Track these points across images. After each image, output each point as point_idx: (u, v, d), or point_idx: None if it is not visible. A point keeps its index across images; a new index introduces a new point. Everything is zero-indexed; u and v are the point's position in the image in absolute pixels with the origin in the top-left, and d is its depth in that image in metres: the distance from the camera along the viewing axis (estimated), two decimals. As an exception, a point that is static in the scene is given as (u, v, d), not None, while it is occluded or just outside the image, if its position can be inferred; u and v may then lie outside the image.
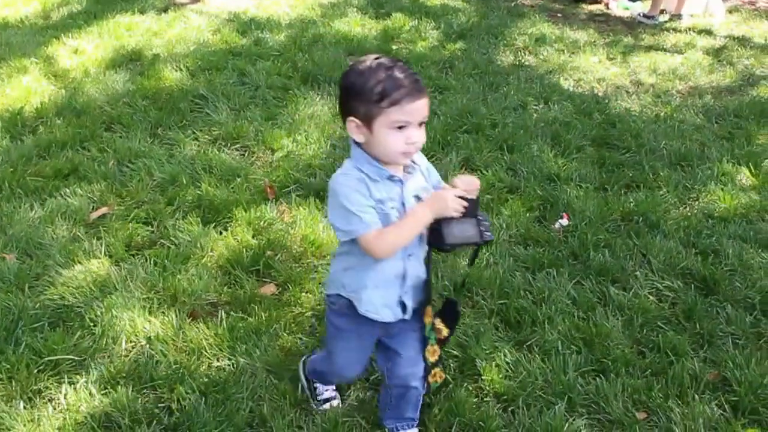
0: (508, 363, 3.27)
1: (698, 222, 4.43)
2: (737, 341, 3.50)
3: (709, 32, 8.23)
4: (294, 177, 4.65)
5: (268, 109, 5.61)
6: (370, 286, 2.46)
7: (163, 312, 3.50)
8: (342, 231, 2.35)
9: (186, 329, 3.39)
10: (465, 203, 2.31)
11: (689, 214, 4.54)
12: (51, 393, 3.04)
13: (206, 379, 3.12)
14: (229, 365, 3.22)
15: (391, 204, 2.34)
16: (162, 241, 4.02)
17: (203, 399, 3.01)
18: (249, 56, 6.63)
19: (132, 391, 3.04)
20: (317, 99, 5.80)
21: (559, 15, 8.80)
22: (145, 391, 3.07)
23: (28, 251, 3.91)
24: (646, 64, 7.14)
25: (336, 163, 4.73)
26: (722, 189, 4.79)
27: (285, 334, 3.38)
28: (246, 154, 5.00)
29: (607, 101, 6.20)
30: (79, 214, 4.23)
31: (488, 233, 2.38)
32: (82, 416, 2.93)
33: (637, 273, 3.94)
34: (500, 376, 3.20)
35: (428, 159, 2.58)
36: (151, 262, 3.82)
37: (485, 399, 3.11)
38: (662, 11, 8.65)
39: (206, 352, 3.28)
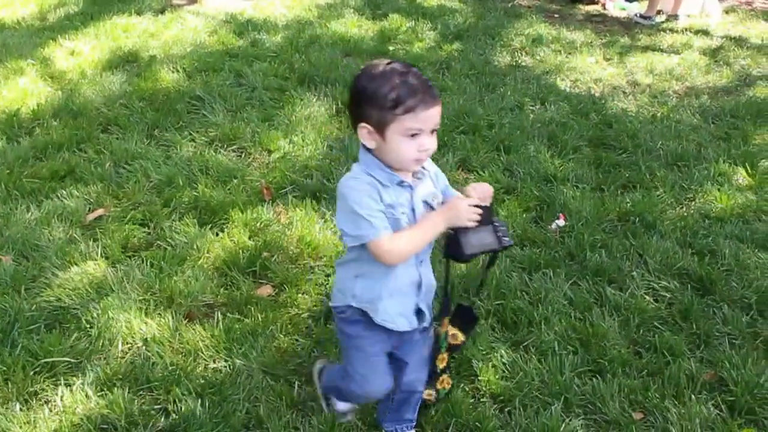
0: (504, 364, 3.27)
1: (695, 222, 4.43)
2: (734, 341, 3.50)
3: (705, 33, 8.24)
4: (290, 178, 4.65)
5: (264, 111, 5.61)
6: (385, 295, 2.41)
7: (159, 313, 3.49)
8: (351, 236, 2.30)
9: (182, 331, 3.39)
10: (479, 211, 2.29)
11: (686, 214, 4.55)
12: (47, 395, 3.03)
13: (203, 381, 3.11)
14: (225, 367, 3.21)
15: (401, 209, 2.31)
16: (158, 242, 4.02)
17: (200, 400, 3.00)
18: (246, 57, 6.63)
19: (128, 392, 3.04)
20: (314, 100, 5.79)
21: (556, 15, 8.81)
22: (141, 392, 3.07)
23: (25, 253, 3.91)
24: (643, 65, 7.15)
25: (333, 165, 4.76)
26: (719, 189, 4.79)
27: (281, 336, 3.38)
28: (242, 156, 5.00)
29: (603, 102, 6.21)
30: (75, 215, 4.22)
31: (506, 238, 2.35)
32: (79, 418, 2.92)
33: (634, 273, 3.94)
34: (497, 376, 3.21)
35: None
36: (148, 264, 3.82)
37: (482, 399, 3.11)
38: (659, 12, 8.66)
39: (203, 353, 3.27)
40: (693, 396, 3.15)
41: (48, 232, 4.07)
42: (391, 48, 7.16)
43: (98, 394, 3.04)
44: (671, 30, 8.27)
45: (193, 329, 3.40)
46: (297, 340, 3.37)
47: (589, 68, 7.04)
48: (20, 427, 2.87)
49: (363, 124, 2.25)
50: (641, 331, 3.54)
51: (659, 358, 3.36)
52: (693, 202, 4.69)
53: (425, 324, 2.57)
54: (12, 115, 5.40)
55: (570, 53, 7.40)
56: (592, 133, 5.54)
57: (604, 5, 9.26)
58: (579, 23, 8.58)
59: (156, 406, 3.01)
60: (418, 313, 2.51)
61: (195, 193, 4.41)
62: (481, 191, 2.37)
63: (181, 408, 2.97)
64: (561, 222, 4.33)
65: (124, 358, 3.25)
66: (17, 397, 3.01)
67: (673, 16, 8.59)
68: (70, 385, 3.07)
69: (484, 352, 3.31)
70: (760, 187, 4.88)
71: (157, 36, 7.21)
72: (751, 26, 8.64)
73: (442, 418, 2.97)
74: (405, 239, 2.28)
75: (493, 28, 7.96)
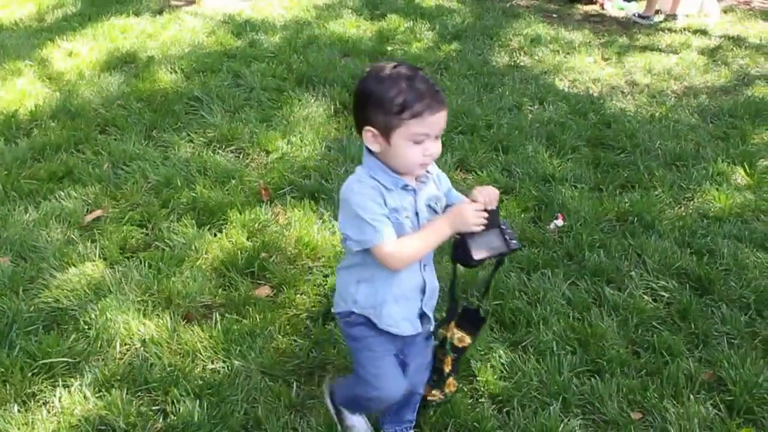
0: (503, 364, 3.27)
1: (693, 222, 4.43)
2: (732, 341, 3.49)
3: (704, 32, 8.24)
4: (289, 179, 4.64)
5: (262, 111, 5.61)
6: (390, 300, 2.39)
7: (157, 314, 3.48)
8: (354, 241, 2.27)
9: (180, 332, 3.38)
10: (485, 215, 2.28)
11: (684, 214, 4.55)
12: (45, 396, 3.02)
13: (201, 382, 3.11)
14: (223, 368, 3.21)
15: (405, 213, 2.29)
16: (156, 243, 4.01)
17: (198, 401, 2.99)
18: (244, 58, 6.63)
19: (126, 394, 3.04)
20: (312, 101, 5.79)
21: (554, 15, 8.82)
22: (139, 393, 3.06)
23: (23, 254, 3.90)
24: (641, 65, 7.15)
25: (331, 165, 4.75)
26: (717, 189, 4.79)
27: (280, 336, 3.37)
28: (241, 156, 4.99)
29: (602, 101, 6.21)
30: (73, 216, 4.22)
31: (514, 241, 2.35)
32: (77, 419, 2.91)
33: (632, 273, 3.94)
34: (495, 377, 3.20)
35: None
36: (146, 265, 3.81)
37: (480, 400, 3.10)
38: (657, 11, 8.66)
39: (201, 354, 3.27)
40: (692, 396, 3.15)
41: (46, 233, 4.07)
42: (389, 48, 7.15)
43: (96, 395, 3.03)
44: (669, 30, 8.28)
45: (192, 330, 3.39)
46: (295, 340, 3.37)
47: (588, 68, 7.04)
48: (18, 429, 2.87)
49: (368, 128, 2.23)
50: (640, 330, 3.54)
51: (658, 358, 3.36)
52: (691, 202, 4.69)
53: (430, 327, 2.56)
54: (10, 116, 5.39)
55: (568, 53, 7.40)
56: (590, 132, 5.54)
57: (602, 5, 9.26)
58: (577, 23, 8.58)
59: (154, 407, 3.00)
60: (422, 317, 2.50)
61: (193, 194, 4.40)
62: (487, 195, 2.33)
63: (179, 409, 2.96)
64: (559, 222, 4.33)
65: (122, 359, 3.25)
66: (15, 398, 3.00)
67: (672, 16, 8.60)
68: (68, 387, 3.06)
69: (482, 353, 3.31)
70: (759, 186, 4.88)
71: (155, 37, 7.21)
72: (749, 26, 8.65)
73: (440, 419, 2.97)
74: (410, 245, 2.27)
75: (492, 28, 7.97)
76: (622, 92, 6.51)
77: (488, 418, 2.98)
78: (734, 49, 7.70)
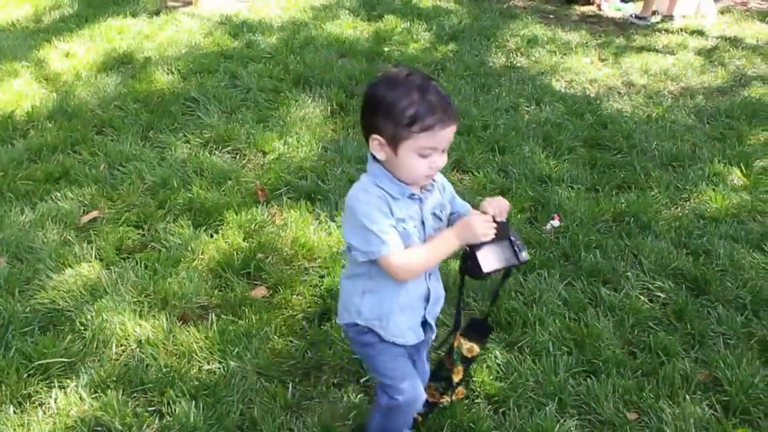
0: (499, 364, 3.27)
1: (689, 222, 4.43)
2: (728, 341, 3.50)
3: (700, 33, 8.25)
4: (285, 179, 4.64)
5: (259, 112, 5.61)
6: (396, 310, 2.38)
7: (153, 315, 3.48)
8: (360, 251, 2.23)
9: (176, 332, 3.38)
10: (494, 225, 2.26)
11: (680, 214, 4.55)
12: (41, 397, 3.02)
13: (197, 383, 3.11)
14: (219, 368, 3.21)
15: (412, 223, 2.27)
16: (153, 244, 4.01)
17: (194, 402, 2.99)
18: (241, 59, 6.62)
19: (122, 394, 3.04)
20: (309, 101, 5.79)
21: (551, 16, 8.82)
22: (135, 394, 3.06)
23: (19, 255, 3.90)
24: (638, 65, 7.16)
25: (328, 166, 4.75)
26: (713, 189, 4.80)
27: (276, 337, 3.37)
28: (237, 157, 4.99)
29: (598, 102, 6.21)
30: (69, 217, 4.22)
31: (524, 254, 2.33)
32: (72, 420, 2.91)
33: (629, 273, 3.94)
34: (491, 377, 3.20)
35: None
36: (142, 266, 3.81)
37: (476, 400, 3.10)
38: (654, 12, 8.66)
39: (197, 355, 3.27)
40: (687, 396, 3.15)
41: (42, 234, 4.06)
42: (386, 49, 7.14)
43: (92, 396, 3.03)
44: (666, 30, 8.28)
45: (188, 331, 3.39)
46: (291, 341, 3.37)
47: (585, 69, 7.04)
48: (14, 430, 2.87)
49: (375, 136, 2.19)
50: (636, 331, 3.54)
51: (654, 359, 3.36)
52: (688, 203, 4.69)
53: (432, 335, 2.56)
54: (6, 117, 5.39)
55: (565, 54, 7.40)
56: (587, 133, 5.55)
57: (599, 6, 9.26)
58: (574, 24, 8.59)
59: (150, 408, 3.00)
60: (424, 324, 2.49)
61: (189, 195, 4.40)
62: (497, 206, 2.30)
63: (175, 410, 2.96)
64: (556, 222, 4.33)
65: (118, 360, 3.25)
66: (11, 399, 3.00)
67: (669, 17, 8.60)
68: (64, 388, 3.06)
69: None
70: (755, 187, 4.88)
71: (151, 38, 7.21)
72: (746, 26, 8.66)
73: (436, 419, 2.96)
74: (417, 257, 2.25)
75: (489, 28, 7.97)
76: (619, 93, 6.51)
77: (484, 418, 2.98)
78: (731, 49, 7.70)
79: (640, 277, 3.93)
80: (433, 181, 2.36)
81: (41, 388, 3.06)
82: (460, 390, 2.78)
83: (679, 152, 5.27)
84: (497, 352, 3.32)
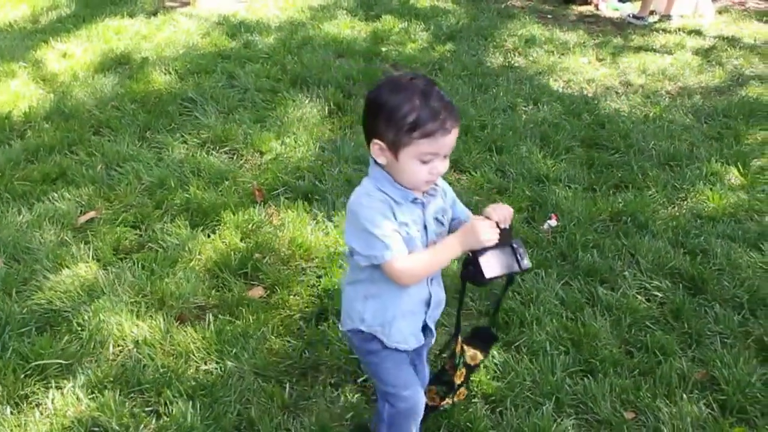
0: (496, 364, 3.27)
1: (687, 222, 4.44)
2: (725, 340, 3.50)
3: (698, 33, 8.25)
4: (282, 180, 4.64)
5: (256, 112, 5.60)
6: (398, 315, 2.36)
7: (150, 316, 3.48)
8: (363, 256, 2.21)
9: (174, 333, 3.38)
10: (497, 229, 2.25)
11: (678, 213, 4.55)
12: (38, 398, 3.02)
13: (194, 383, 3.10)
14: (216, 368, 3.21)
15: (415, 227, 2.25)
16: (150, 244, 4.01)
17: (191, 402, 2.99)
18: (238, 59, 6.62)
19: (119, 395, 3.04)
20: (306, 101, 5.79)
21: (548, 16, 8.82)
22: (132, 395, 3.06)
23: (16, 256, 3.89)
24: (636, 65, 7.16)
25: (325, 166, 4.75)
26: (711, 189, 4.80)
27: (273, 337, 3.37)
28: (234, 157, 4.99)
29: (596, 102, 6.22)
30: (66, 218, 4.21)
31: (525, 261, 2.32)
32: (69, 421, 2.91)
33: (626, 273, 3.94)
34: (488, 377, 3.20)
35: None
36: (139, 266, 3.81)
37: (473, 400, 3.09)
38: (652, 12, 8.68)
39: (194, 355, 3.26)
40: (684, 395, 3.15)
41: (39, 234, 4.06)
42: (383, 49, 7.14)
43: (89, 396, 3.03)
44: (664, 30, 8.29)
45: (185, 331, 3.39)
46: (289, 341, 3.37)
47: (582, 69, 7.04)
48: (11, 431, 2.87)
49: (376, 141, 2.17)
50: (633, 330, 3.55)
51: (651, 358, 3.36)
52: (685, 202, 4.70)
53: (431, 339, 2.54)
54: (3, 118, 5.39)
55: (563, 54, 7.41)
56: (584, 133, 5.55)
57: (596, 6, 9.27)
58: (572, 24, 8.59)
59: (147, 409, 3.00)
60: (424, 328, 2.47)
61: (187, 195, 4.40)
62: (501, 212, 2.29)
63: (172, 410, 2.96)
64: (553, 222, 4.33)
65: (115, 360, 3.25)
66: (8, 400, 3.00)
67: (666, 17, 8.61)
68: (61, 388, 3.06)
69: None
70: (752, 186, 4.89)
71: (149, 38, 7.20)
72: (743, 26, 8.66)
73: (434, 419, 2.96)
74: (421, 261, 2.24)
75: (486, 28, 7.97)
76: (617, 93, 6.51)
77: (481, 418, 2.98)
78: (729, 49, 7.71)
79: (637, 276, 3.93)
80: (436, 185, 2.34)
81: (38, 388, 3.06)
82: (462, 391, 2.78)
83: (676, 152, 5.28)
84: (494, 352, 3.31)
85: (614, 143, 5.39)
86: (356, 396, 3.11)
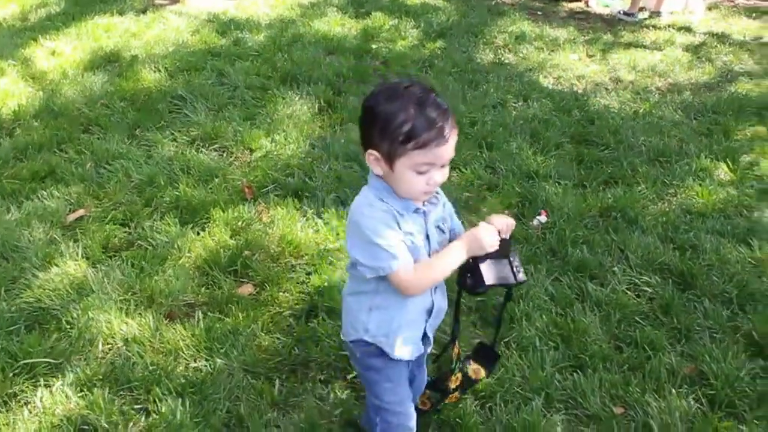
0: (486, 360, 3.27)
1: (676, 217, 4.45)
2: (714, 335, 3.51)
3: (688, 29, 8.27)
4: (272, 177, 4.63)
5: (246, 109, 5.59)
6: (403, 325, 2.33)
7: (139, 313, 3.47)
8: (369, 267, 2.17)
9: (163, 330, 3.37)
10: (498, 237, 2.25)
11: (667, 209, 4.56)
12: (27, 396, 3.02)
13: (183, 380, 3.10)
14: (206, 366, 3.20)
15: (419, 237, 2.22)
16: (139, 242, 4.00)
17: (180, 400, 2.99)
18: (228, 57, 6.61)
19: (108, 393, 3.03)
20: (296, 99, 5.78)
21: (539, 13, 8.82)
22: (121, 392, 3.06)
23: (5, 254, 3.88)
24: (626, 61, 7.17)
25: (315, 163, 4.75)
26: (700, 184, 4.81)
27: (263, 334, 3.37)
28: (224, 155, 4.98)
29: (586, 98, 6.22)
30: (55, 216, 4.20)
31: (521, 274, 2.32)
32: (58, 419, 2.91)
33: (615, 269, 3.95)
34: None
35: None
36: (128, 264, 3.80)
37: (463, 396, 3.09)
38: (642, 8, 8.68)
39: (183, 353, 3.26)
40: (673, 390, 3.17)
41: (28, 233, 4.04)
42: (374, 46, 7.13)
43: (78, 394, 3.03)
44: (654, 27, 8.31)
45: (174, 329, 3.39)
46: (278, 338, 3.37)
47: (572, 65, 7.05)
48: (-1, 429, 2.86)
49: (371, 151, 2.12)
50: (622, 326, 3.56)
51: (640, 353, 3.37)
52: (674, 198, 4.71)
53: (429, 348, 2.52)
54: (-8, 116, 5.37)
55: (553, 50, 7.41)
56: (574, 129, 5.56)
57: (587, 2, 9.27)
58: (562, 20, 8.60)
59: (136, 406, 3.00)
60: (424, 337, 2.45)
61: (176, 193, 4.39)
62: (504, 222, 2.29)
63: (161, 408, 2.96)
64: (543, 218, 4.34)
65: (104, 358, 3.24)
66: (-4, 398, 2.99)
67: (656, 13, 8.62)
68: (49, 386, 3.06)
69: (464, 349, 3.30)
70: (741, 182, 4.90)
71: (138, 36, 7.17)
72: (733, 23, 8.68)
73: (423, 416, 2.96)
74: (429, 270, 2.21)
75: (476, 25, 7.97)
76: (606, 89, 6.52)
77: (471, 413, 2.99)
78: (718, 45, 7.72)
79: (626, 272, 3.94)
80: (437, 193, 2.31)
81: (27, 387, 3.05)
82: (455, 396, 2.77)
83: (666, 148, 5.29)
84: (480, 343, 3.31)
85: (604, 139, 5.40)
86: (346, 392, 3.11)
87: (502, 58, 7.12)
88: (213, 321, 3.43)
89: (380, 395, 2.48)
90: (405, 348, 2.37)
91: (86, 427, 2.90)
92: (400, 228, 2.15)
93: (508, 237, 2.31)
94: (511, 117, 5.73)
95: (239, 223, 4.15)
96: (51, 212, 4.22)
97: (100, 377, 3.11)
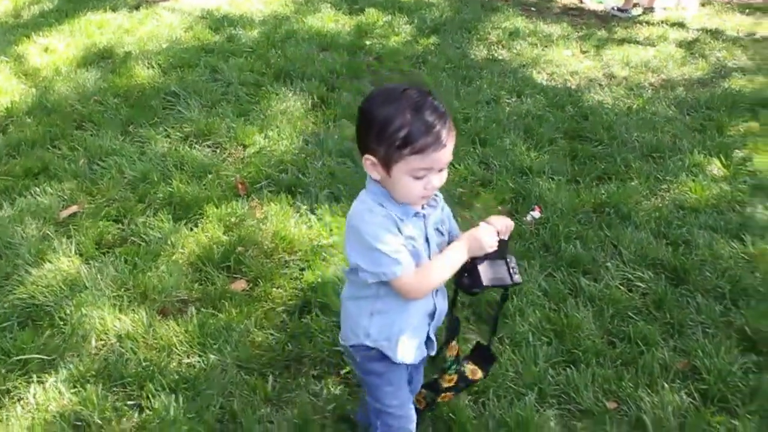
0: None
1: (669, 213, 4.46)
2: (707, 330, 3.52)
3: (681, 25, 8.26)
4: (266, 173, 4.63)
5: (240, 106, 5.59)
6: (405, 329, 2.32)
7: (133, 309, 3.47)
8: (370, 273, 2.14)
9: (156, 326, 3.37)
10: (497, 239, 2.25)
11: (660, 205, 4.57)
12: (20, 392, 3.02)
13: (176, 376, 3.10)
14: (199, 362, 3.20)
15: (420, 240, 2.20)
16: (132, 238, 4.00)
17: (173, 396, 2.99)
18: (221, 53, 6.60)
19: (102, 389, 3.03)
20: (290, 95, 5.77)
21: (532, 9, 8.82)
22: (115, 389, 3.06)
23: (-3, 251, 3.88)
24: (619, 57, 7.16)
25: (308, 159, 4.75)
26: (693, 180, 4.82)
27: (256, 330, 3.37)
28: (218, 151, 4.97)
29: (579, 94, 6.22)
30: (49, 212, 4.20)
31: (517, 276, 2.32)
32: (51, 415, 2.91)
33: (608, 264, 3.96)
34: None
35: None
36: (122, 260, 3.80)
37: (456, 395, 3.09)
38: (635, 4, 8.68)
39: (176, 349, 3.26)
40: (666, 385, 3.17)
41: (21, 229, 4.04)
42: (367, 42, 7.12)
43: (71, 390, 3.03)
44: (647, 23, 8.30)
45: (167, 325, 3.39)
46: (271, 334, 3.37)
47: (566, 61, 7.04)
48: (-8, 425, 2.86)
49: (367, 156, 2.10)
50: (615, 321, 3.56)
51: (633, 348, 3.38)
52: (668, 193, 4.71)
53: (432, 350, 2.51)
54: (-15, 113, 5.36)
55: (546, 46, 7.40)
56: (567, 125, 5.56)
57: (580, -2, 9.28)
58: (556, 16, 8.59)
59: (130, 402, 3.00)
60: (427, 340, 2.44)
61: (169, 189, 4.39)
62: (503, 224, 2.28)
63: (154, 403, 2.96)
64: (536, 214, 4.34)
65: (97, 354, 3.24)
66: (-11, 395, 2.99)
67: (650, 9, 8.62)
68: (43, 383, 3.06)
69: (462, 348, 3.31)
70: (734, 177, 4.90)
71: (132, 32, 7.16)
72: (726, 18, 8.67)
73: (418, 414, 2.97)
74: (431, 273, 2.19)
75: (470, 21, 7.96)
76: (600, 85, 6.52)
77: (464, 408, 2.99)
78: (711, 41, 7.72)
79: (620, 267, 3.94)
80: (436, 195, 2.29)
81: (20, 383, 3.05)
82: (448, 395, 2.77)
83: (659, 143, 5.30)
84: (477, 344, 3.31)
85: (597, 135, 5.40)
86: (339, 388, 3.11)
87: (496, 54, 7.12)
88: (206, 317, 3.43)
89: (381, 399, 2.47)
90: (408, 352, 2.36)
91: (79, 423, 2.90)
92: (401, 233, 2.13)
93: (506, 238, 2.31)
94: (504, 113, 5.73)
95: (232, 219, 4.15)
96: (44, 209, 4.22)
97: (94, 373, 3.11)
